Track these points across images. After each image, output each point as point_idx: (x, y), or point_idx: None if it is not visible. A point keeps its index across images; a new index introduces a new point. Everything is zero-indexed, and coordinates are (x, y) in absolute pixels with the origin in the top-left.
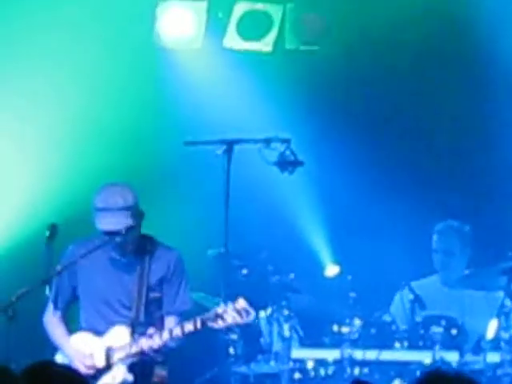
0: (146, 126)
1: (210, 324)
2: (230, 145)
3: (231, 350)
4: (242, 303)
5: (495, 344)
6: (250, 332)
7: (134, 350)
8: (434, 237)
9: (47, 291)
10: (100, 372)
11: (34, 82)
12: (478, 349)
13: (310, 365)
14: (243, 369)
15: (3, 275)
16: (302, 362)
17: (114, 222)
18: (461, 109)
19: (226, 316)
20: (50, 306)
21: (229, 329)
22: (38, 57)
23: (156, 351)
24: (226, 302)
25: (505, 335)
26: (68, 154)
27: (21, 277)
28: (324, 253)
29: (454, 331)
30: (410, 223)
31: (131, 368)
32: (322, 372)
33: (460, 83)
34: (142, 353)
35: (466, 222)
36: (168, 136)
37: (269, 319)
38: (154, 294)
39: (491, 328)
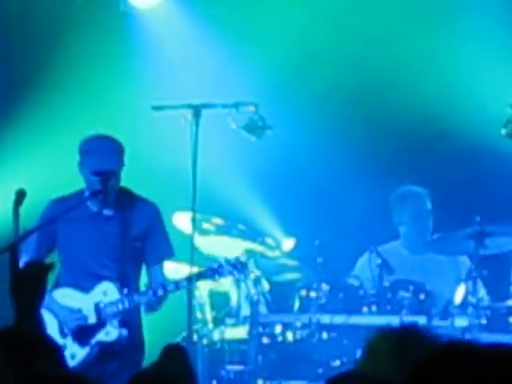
0: (112, 90)
1: (207, 279)
2: (197, 109)
3: (199, 315)
4: (234, 257)
5: (463, 309)
6: (217, 296)
7: (127, 305)
8: (397, 203)
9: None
10: (91, 328)
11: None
12: (445, 313)
13: (278, 329)
14: (211, 333)
15: None
16: (270, 326)
17: (108, 160)
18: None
19: (221, 270)
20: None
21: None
22: None
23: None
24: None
25: (472, 300)
26: (37, 119)
27: None
28: (281, 224)
29: (421, 296)
30: (375, 187)
31: (123, 323)
32: (290, 336)
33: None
34: (135, 307)
35: (427, 187)
36: (135, 100)
37: (237, 283)
38: (137, 245)
39: (459, 293)
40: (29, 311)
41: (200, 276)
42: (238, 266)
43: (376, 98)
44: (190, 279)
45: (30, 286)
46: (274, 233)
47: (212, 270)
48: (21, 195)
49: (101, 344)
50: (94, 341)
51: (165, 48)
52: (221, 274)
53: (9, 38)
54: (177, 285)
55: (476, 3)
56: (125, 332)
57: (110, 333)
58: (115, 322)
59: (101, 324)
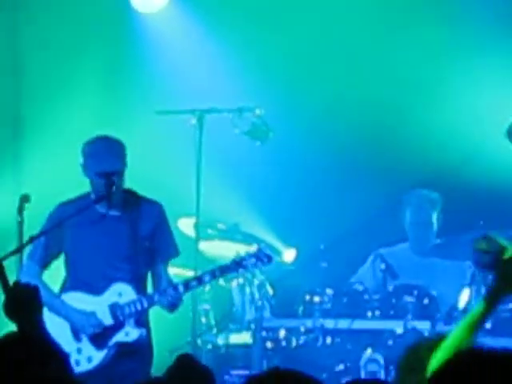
0: (117, 94)
1: (230, 272)
2: (202, 114)
3: (203, 320)
4: (256, 248)
5: (467, 313)
6: (221, 301)
7: (146, 305)
8: (411, 208)
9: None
10: (109, 330)
11: None
12: (449, 318)
13: (281, 334)
14: (215, 338)
15: None
16: (274, 331)
17: (111, 161)
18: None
19: (245, 263)
20: (29, 268)
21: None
22: None
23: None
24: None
25: None
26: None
27: None
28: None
29: (425, 300)
30: (378, 190)
31: (140, 323)
32: (294, 341)
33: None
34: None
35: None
36: (139, 105)
37: (241, 288)
38: (146, 245)
39: (463, 297)
40: (30, 331)
41: (223, 270)
42: (262, 258)
43: (376, 103)
44: (214, 274)
45: (24, 308)
46: (274, 243)
47: (236, 263)
48: (24, 200)
49: (119, 345)
50: (111, 342)
51: (169, 52)
52: (245, 267)
53: (14, 40)
54: (199, 280)
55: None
56: (144, 332)
57: (130, 333)
58: (132, 322)
59: (118, 325)
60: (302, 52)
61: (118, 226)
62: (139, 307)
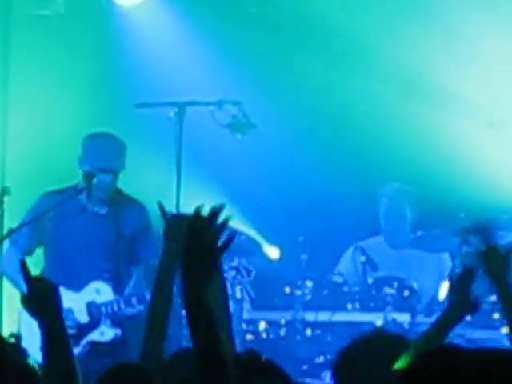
0: (97, 88)
1: None
2: (181, 107)
3: (184, 312)
4: (237, 261)
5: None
6: None
7: (123, 306)
8: (384, 200)
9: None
10: (84, 328)
11: None
12: (429, 310)
13: (262, 326)
14: None
15: None
16: (254, 323)
17: (113, 160)
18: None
19: (225, 275)
20: (11, 253)
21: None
22: None
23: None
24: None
25: None
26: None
27: None
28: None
29: (406, 293)
30: (358, 183)
31: (116, 323)
32: (274, 334)
33: None
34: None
35: (413, 185)
36: (119, 98)
37: None
38: (128, 245)
39: (443, 289)
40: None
41: None
42: (241, 271)
43: (360, 96)
44: None
45: (47, 303)
46: (257, 240)
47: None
48: (4, 193)
49: (93, 343)
50: (85, 341)
51: (149, 46)
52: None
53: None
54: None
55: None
56: (119, 332)
57: (105, 333)
58: (109, 322)
59: (94, 324)
60: (286, 44)
61: (102, 224)
62: (116, 308)
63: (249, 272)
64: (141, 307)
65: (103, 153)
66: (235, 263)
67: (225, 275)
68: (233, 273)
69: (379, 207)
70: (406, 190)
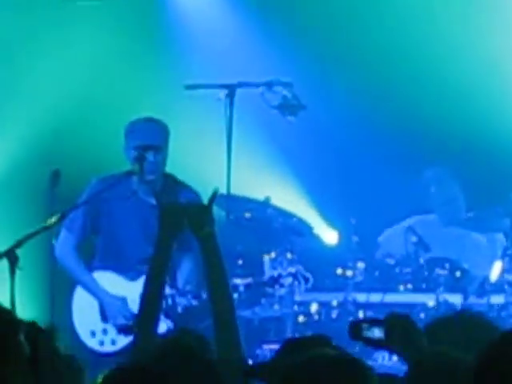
0: (145, 69)
1: (266, 287)
2: (231, 89)
3: (235, 295)
4: (295, 268)
5: (499, 286)
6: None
7: (178, 299)
8: (432, 185)
9: (53, 240)
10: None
11: None
12: (481, 291)
13: (313, 308)
14: (247, 313)
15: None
16: (305, 305)
17: (150, 136)
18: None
19: (282, 281)
20: (67, 239)
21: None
22: None
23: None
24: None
25: (509, 277)
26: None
27: (22, 223)
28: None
29: (457, 273)
30: (407, 166)
31: (170, 315)
32: (326, 315)
33: None
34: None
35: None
36: (168, 80)
37: (273, 263)
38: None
39: (495, 270)
40: None
41: (259, 285)
42: (299, 278)
43: (408, 80)
44: (249, 286)
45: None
46: (315, 223)
47: (273, 280)
48: (56, 176)
49: None
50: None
51: (198, 28)
52: (282, 285)
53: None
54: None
55: None
56: (171, 325)
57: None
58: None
59: None
60: (338, 24)
61: (151, 214)
62: (170, 302)
63: (306, 279)
64: (195, 302)
65: (145, 131)
66: (293, 270)
67: (281, 281)
68: (289, 279)
69: (428, 190)
70: (449, 172)
